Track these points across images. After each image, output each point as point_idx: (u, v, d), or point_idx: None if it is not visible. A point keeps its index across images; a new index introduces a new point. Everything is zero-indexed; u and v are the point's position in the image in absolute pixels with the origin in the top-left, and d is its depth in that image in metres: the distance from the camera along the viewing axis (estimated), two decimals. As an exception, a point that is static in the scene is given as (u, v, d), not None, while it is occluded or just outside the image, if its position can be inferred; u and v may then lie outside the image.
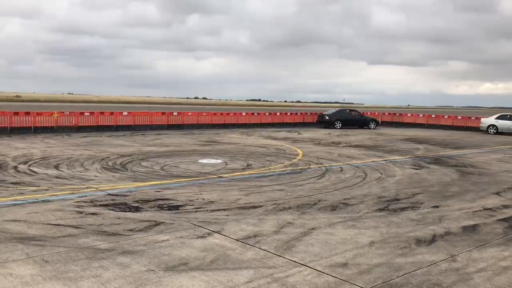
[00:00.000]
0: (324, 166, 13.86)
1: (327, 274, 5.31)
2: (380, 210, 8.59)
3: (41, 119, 24.15)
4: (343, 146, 20.41)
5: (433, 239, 6.82)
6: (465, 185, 11.46)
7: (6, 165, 12.45)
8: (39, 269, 5.21)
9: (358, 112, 35.51)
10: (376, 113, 43.20)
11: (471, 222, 7.89)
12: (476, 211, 8.77)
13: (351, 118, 34.19)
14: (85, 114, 26.18)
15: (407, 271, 5.50)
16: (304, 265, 5.57)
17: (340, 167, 13.76)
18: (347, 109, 36.33)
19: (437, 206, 9.04)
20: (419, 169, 14.00)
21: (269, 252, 6.02)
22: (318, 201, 9.16)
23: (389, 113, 43.19)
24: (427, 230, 7.32)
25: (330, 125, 33.17)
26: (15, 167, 12.19)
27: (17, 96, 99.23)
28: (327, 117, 33.85)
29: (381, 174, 12.78)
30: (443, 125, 36.27)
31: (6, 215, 7.42)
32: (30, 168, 12.17)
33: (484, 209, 8.96)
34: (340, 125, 33.15)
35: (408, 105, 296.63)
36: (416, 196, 9.97)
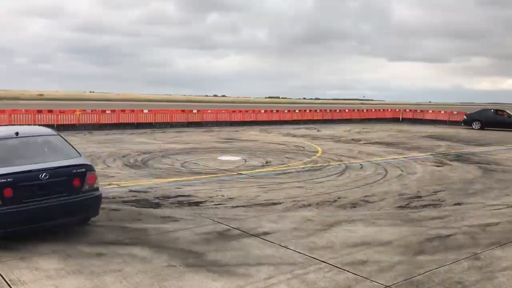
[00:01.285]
0: (344, 163, 13.78)
1: (348, 271, 5.28)
2: (401, 207, 8.50)
3: (64, 117, 24.57)
4: (363, 143, 20.25)
5: (455, 237, 6.72)
6: (488, 183, 11.26)
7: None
8: (63, 264, 5.31)
9: (507, 112, 31.64)
10: (397, 110, 42.72)
11: (495, 220, 7.75)
12: (500, 208, 8.61)
13: (495, 119, 31.29)
14: (107, 112, 26.52)
15: (429, 268, 5.43)
16: (324, 262, 5.56)
17: (360, 164, 13.66)
18: (492, 109, 33.48)
19: (459, 204, 8.91)
20: (440, 166, 13.80)
21: (288, 248, 6.02)
22: (338, 198, 9.12)
23: (410, 110, 42.65)
24: (449, 227, 7.22)
25: (467, 125, 31.86)
26: (39, 164, 12.40)
27: (40, 95, 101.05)
28: (465, 117, 32.98)
29: (402, 171, 12.64)
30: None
31: (31, 211, 7.57)
32: (54, 165, 12.37)
33: (508, 206, 8.79)
34: (479, 125, 31.08)
35: (430, 102, 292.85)
36: (437, 193, 9.83)
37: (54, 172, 6.01)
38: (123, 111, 27.44)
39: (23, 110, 24.40)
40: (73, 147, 6.96)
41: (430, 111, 40.43)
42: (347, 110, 39.66)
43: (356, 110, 40.49)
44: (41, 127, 7.86)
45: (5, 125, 6.85)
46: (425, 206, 8.66)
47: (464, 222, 7.58)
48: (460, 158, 15.80)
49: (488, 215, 8.08)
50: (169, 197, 8.83)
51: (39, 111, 24.21)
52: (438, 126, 33.24)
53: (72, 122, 24.55)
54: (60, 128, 23.63)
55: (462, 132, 28.31)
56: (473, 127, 31.25)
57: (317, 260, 5.61)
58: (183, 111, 29.96)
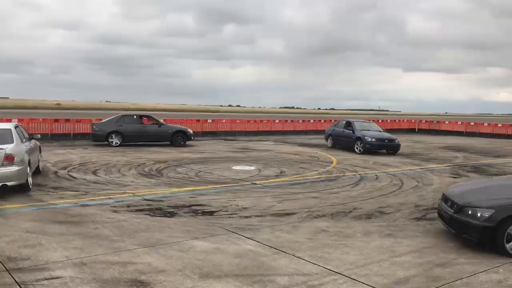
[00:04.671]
0: (359, 174, 13.68)
1: (363, 283, 5.21)
2: (417, 219, 8.39)
3: (80, 126, 24.82)
4: (379, 154, 20.08)
5: (473, 250, 6.60)
6: (506, 195, 11.05)
7: (47, 170, 12.85)
8: (78, 272, 5.33)
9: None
10: (413, 121, 42.38)
11: (514, 233, 7.59)
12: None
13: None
14: (122, 121, 26.70)
15: (446, 281, 5.34)
16: (339, 273, 5.49)
17: (376, 175, 13.54)
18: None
19: (477, 216, 8.74)
20: (457, 177, 13.62)
21: (303, 259, 5.97)
22: (353, 209, 9.04)
23: (426, 121, 42.27)
24: (466, 240, 7.09)
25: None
26: (55, 172, 12.56)
27: (57, 104, 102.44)
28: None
29: (418, 182, 12.50)
30: (483, 133, 35.15)
31: (47, 219, 7.65)
32: (70, 173, 12.52)
33: (528, 219, 8.61)
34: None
35: (446, 113, 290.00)
36: (454, 205, 9.68)
37: None
38: (138, 120, 27.59)
39: (41, 119, 24.76)
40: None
41: (447, 122, 40.01)
42: (362, 121, 39.41)
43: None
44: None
45: None
46: (442, 218, 8.52)
47: (482, 234, 7.44)
48: (477, 169, 15.58)
49: (507, 228, 7.91)
50: (183, 206, 8.84)
51: (56, 120, 24.54)
52: (454, 137, 32.85)
53: (88, 131, 24.77)
54: (76, 137, 23.92)
55: (478, 143, 27.91)
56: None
57: (332, 271, 5.55)
58: (197, 120, 30.10)
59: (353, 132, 20.63)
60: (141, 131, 20.97)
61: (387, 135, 21.03)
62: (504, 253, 6.22)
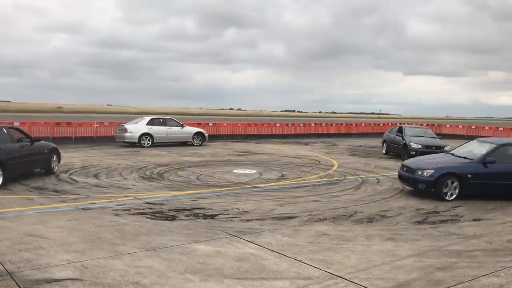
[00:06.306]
0: (361, 178, 13.67)
1: (364, 287, 5.21)
2: (419, 222, 8.39)
3: (82, 130, 24.89)
4: (380, 157, 20.08)
5: (474, 253, 6.60)
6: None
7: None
8: (79, 275, 5.34)
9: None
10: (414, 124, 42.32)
11: (515, 237, 7.59)
12: (520, 225, 8.43)
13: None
14: (124, 124, 26.76)
15: (447, 285, 5.33)
16: (340, 277, 5.49)
17: (377, 179, 13.54)
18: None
19: (478, 219, 8.75)
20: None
21: (304, 263, 5.97)
22: (354, 212, 9.04)
23: (427, 124, 42.24)
24: (468, 243, 7.09)
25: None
26: (57, 176, 12.58)
27: (59, 108, 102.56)
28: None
29: (419, 186, 12.47)
30: (484, 137, 35.09)
31: (48, 222, 7.66)
32: (71, 176, 12.54)
33: (529, 223, 8.61)
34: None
35: (447, 116, 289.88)
36: (456, 208, 9.68)
37: None
38: (140, 124, 27.62)
39: (42, 123, 24.80)
40: None
41: (448, 126, 40.00)
42: (363, 124, 39.46)
43: (372, 124, 40.25)
44: None
45: None
46: (443, 221, 8.52)
47: (483, 238, 7.44)
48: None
49: (508, 231, 7.92)
50: (184, 210, 8.85)
51: (58, 124, 24.59)
52: (456, 141, 32.79)
53: (90, 135, 24.86)
54: (78, 140, 23.97)
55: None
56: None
57: (333, 275, 5.55)
58: (199, 124, 30.13)
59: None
60: (394, 142, 20.72)
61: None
62: None
